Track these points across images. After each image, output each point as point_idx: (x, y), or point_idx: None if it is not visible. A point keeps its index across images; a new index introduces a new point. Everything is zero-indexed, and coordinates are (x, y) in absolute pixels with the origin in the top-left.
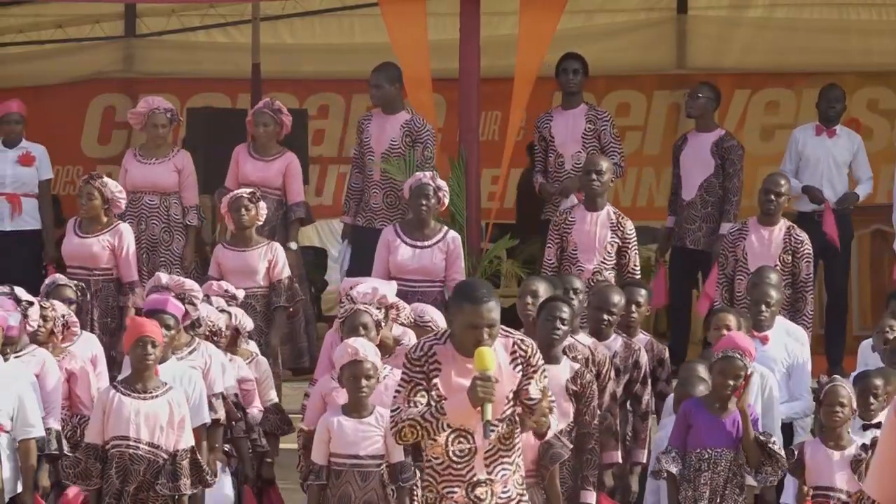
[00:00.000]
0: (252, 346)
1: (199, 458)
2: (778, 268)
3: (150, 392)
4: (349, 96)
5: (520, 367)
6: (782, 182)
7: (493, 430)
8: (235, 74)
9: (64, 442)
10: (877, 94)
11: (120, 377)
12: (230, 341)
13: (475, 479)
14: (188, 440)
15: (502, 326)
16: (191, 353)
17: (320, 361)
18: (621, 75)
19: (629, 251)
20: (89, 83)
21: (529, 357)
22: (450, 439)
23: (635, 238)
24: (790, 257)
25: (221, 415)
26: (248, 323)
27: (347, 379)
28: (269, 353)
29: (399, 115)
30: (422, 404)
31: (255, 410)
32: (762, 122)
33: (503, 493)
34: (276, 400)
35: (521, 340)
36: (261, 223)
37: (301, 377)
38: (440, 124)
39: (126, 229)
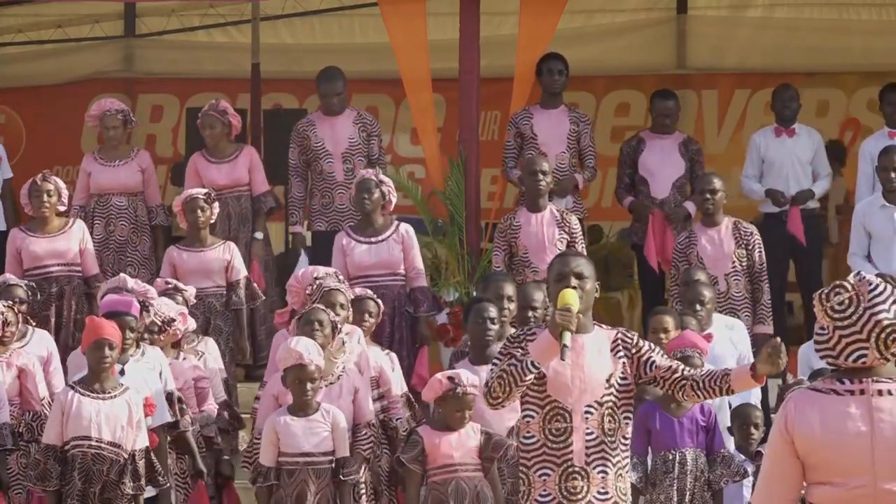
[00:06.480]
0: (210, 345)
1: (154, 458)
2: (735, 264)
3: (109, 392)
4: (349, 96)
5: (622, 353)
6: (715, 180)
7: (568, 351)
8: (235, 74)
9: (9, 437)
10: (877, 94)
11: (77, 377)
12: (175, 339)
13: (571, 466)
14: (144, 440)
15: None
16: (143, 355)
17: (270, 363)
18: (621, 75)
19: (577, 245)
20: (89, 83)
21: (636, 343)
22: (547, 417)
23: (581, 231)
24: (743, 251)
25: (169, 416)
26: (191, 322)
27: (292, 382)
28: (240, 354)
29: (345, 112)
30: None
31: (211, 407)
32: (762, 122)
33: (601, 493)
34: (226, 397)
35: (626, 331)
36: (212, 222)
37: (254, 380)
38: (440, 124)
39: (83, 225)
